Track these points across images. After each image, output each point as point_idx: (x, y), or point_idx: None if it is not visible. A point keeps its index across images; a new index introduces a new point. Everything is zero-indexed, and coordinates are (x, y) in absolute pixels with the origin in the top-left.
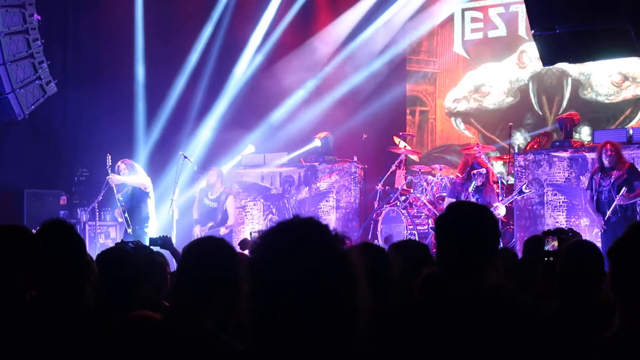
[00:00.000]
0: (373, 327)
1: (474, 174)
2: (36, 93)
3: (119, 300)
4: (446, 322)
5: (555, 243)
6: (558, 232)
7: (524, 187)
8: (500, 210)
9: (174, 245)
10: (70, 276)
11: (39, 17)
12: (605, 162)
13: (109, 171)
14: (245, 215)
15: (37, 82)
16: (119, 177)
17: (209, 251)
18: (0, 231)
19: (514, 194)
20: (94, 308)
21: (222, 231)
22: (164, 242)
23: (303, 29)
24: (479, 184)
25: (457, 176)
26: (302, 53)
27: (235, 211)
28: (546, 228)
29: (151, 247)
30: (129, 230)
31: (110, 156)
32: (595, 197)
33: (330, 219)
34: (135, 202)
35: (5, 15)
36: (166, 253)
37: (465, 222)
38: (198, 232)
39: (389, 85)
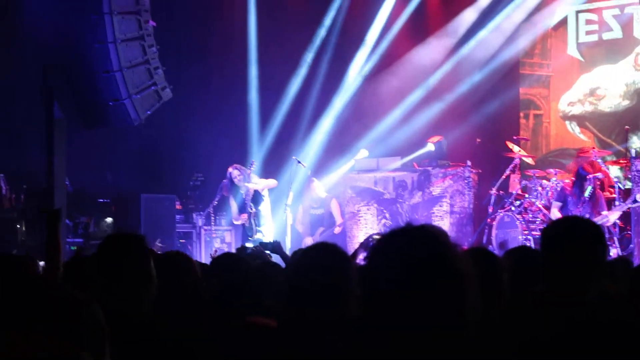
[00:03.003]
0: (480, 336)
1: (587, 179)
2: (151, 99)
3: (233, 306)
4: (542, 335)
5: None
6: None
7: (638, 195)
8: (610, 218)
9: (286, 251)
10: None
11: (154, 24)
12: None
13: (248, 176)
14: (359, 220)
15: (152, 87)
16: (252, 183)
17: (321, 258)
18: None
19: (627, 202)
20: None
21: (337, 230)
22: (274, 246)
23: (416, 31)
24: (588, 192)
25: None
26: (415, 56)
27: (339, 211)
28: None
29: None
30: (256, 236)
31: (254, 162)
32: None
33: (444, 223)
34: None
35: (121, 22)
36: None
37: (569, 237)
38: (309, 243)
39: (502, 88)
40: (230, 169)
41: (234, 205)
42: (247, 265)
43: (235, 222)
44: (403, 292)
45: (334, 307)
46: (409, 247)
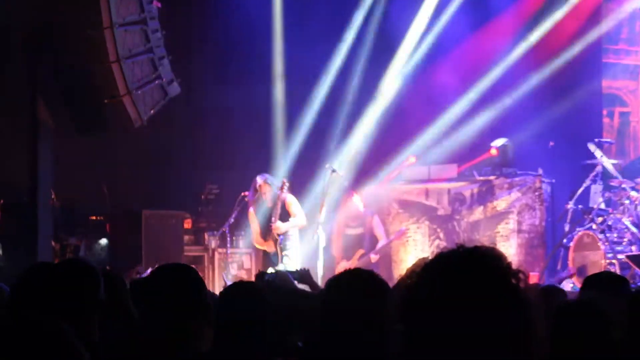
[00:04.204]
0: None
1: None
2: (156, 95)
3: (246, 346)
4: None
5: None
6: None
7: None
8: None
9: (318, 279)
10: None
11: (159, 5)
12: None
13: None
14: (407, 240)
15: (157, 81)
16: (281, 225)
17: (354, 288)
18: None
19: None
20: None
21: (373, 259)
22: (302, 276)
23: (473, 16)
24: None
25: None
26: (472, 46)
27: (382, 231)
28: None
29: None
30: (281, 263)
31: (285, 182)
32: None
33: (510, 245)
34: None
35: (119, 3)
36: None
37: None
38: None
39: (581, 81)
40: (259, 179)
41: (254, 224)
42: (263, 298)
43: (259, 247)
44: (452, 329)
45: (371, 346)
46: (458, 274)
